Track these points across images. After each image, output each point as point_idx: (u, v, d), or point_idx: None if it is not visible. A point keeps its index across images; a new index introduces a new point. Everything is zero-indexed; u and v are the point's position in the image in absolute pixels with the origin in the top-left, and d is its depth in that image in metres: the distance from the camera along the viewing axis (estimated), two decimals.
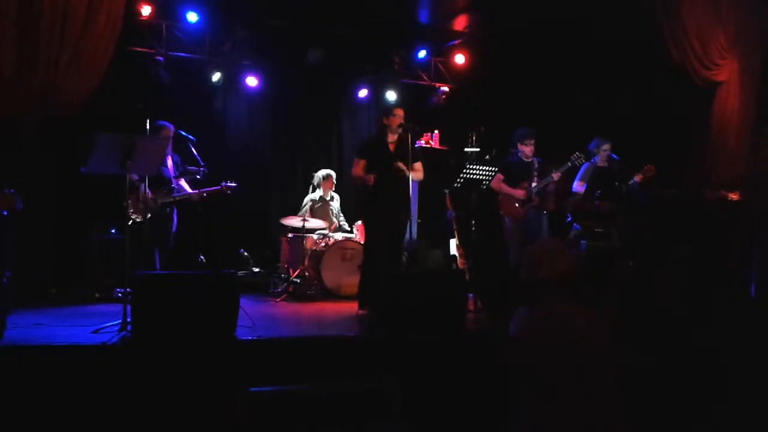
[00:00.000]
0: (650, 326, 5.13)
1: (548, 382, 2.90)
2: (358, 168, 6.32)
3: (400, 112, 6.29)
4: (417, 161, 6.36)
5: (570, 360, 2.87)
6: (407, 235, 6.43)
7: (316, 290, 7.64)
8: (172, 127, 6.80)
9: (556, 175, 6.96)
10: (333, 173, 8.50)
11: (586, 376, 2.86)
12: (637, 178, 7.09)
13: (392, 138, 6.30)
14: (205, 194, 6.88)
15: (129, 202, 6.25)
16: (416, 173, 6.32)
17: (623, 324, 4.77)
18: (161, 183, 6.70)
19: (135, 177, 5.32)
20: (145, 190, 6.08)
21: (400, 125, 6.21)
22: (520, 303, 3.14)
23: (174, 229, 6.96)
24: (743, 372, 4.65)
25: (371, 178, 6.17)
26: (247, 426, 4.05)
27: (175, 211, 6.97)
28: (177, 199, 6.85)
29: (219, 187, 6.92)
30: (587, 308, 3.02)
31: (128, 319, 4.70)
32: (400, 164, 6.11)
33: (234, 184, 6.99)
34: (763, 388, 4.44)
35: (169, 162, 6.87)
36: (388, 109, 6.53)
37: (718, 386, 4.58)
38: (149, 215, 6.42)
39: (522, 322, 3.08)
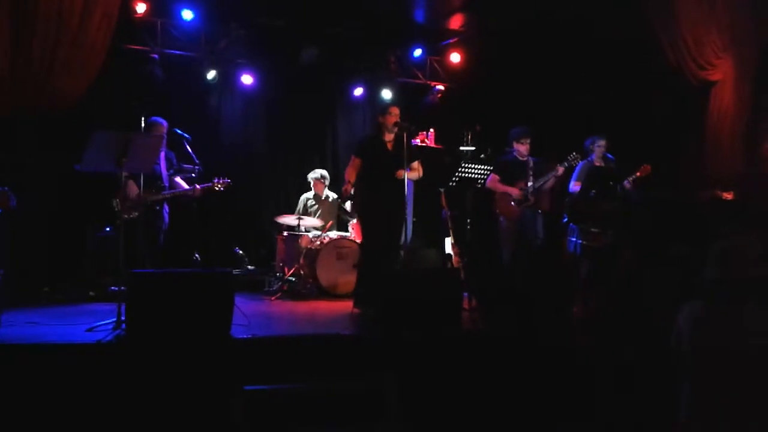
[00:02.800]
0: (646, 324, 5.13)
1: (722, 382, 2.88)
2: (352, 167, 6.33)
3: (395, 111, 6.30)
4: (415, 160, 6.36)
5: (746, 363, 2.85)
6: (403, 234, 6.44)
7: (311, 289, 7.63)
8: (165, 124, 6.77)
9: (560, 170, 6.95)
10: (326, 175, 8.46)
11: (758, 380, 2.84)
12: (633, 177, 7.11)
13: (389, 137, 6.30)
14: (198, 189, 6.83)
15: (117, 200, 6.24)
16: (414, 172, 6.33)
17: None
18: (152, 180, 6.67)
19: (125, 174, 5.29)
20: (139, 187, 6.06)
21: (396, 124, 6.22)
22: (704, 301, 3.08)
23: (165, 226, 6.93)
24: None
25: (348, 188, 6.28)
26: (241, 424, 4.05)
27: (166, 208, 6.94)
28: (171, 195, 6.82)
29: (210, 184, 6.89)
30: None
31: (122, 318, 4.68)
32: (400, 173, 6.11)
33: (227, 181, 6.96)
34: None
35: (162, 159, 6.84)
36: (383, 108, 6.53)
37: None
38: (140, 212, 6.40)
39: (697, 320, 3.04)
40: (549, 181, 7.04)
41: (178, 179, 7.02)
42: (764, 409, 2.85)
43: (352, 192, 6.42)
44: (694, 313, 3.07)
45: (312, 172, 8.52)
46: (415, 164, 6.35)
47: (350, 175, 6.36)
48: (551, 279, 6.69)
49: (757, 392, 2.86)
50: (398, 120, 6.22)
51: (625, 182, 7.13)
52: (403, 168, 6.09)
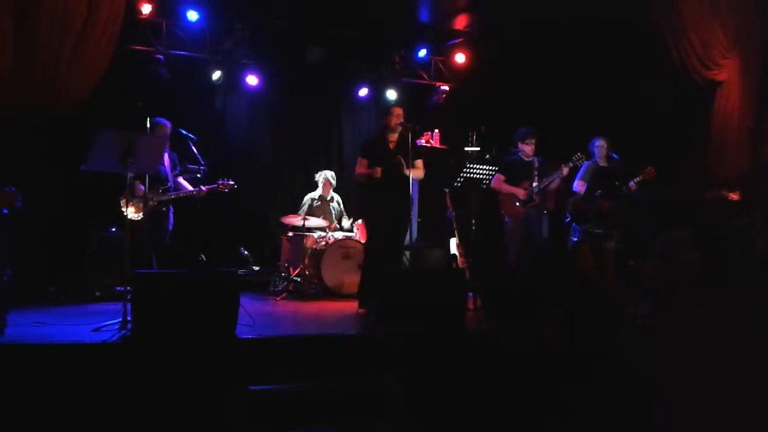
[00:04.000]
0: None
1: (686, 381, 2.85)
2: (361, 168, 6.32)
3: (398, 111, 6.30)
4: (418, 159, 6.36)
5: (710, 360, 2.83)
6: (408, 235, 6.43)
7: (316, 289, 7.63)
8: (169, 124, 6.78)
9: (565, 170, 6.95)
10: (332, 176, 8.46)
11: (725, 377, 2.82)
12: (638, 180, 7.09)
13: (393, 137, 6.31)
14: (203, 191, 6.84)
15: (123, 200, 6.26)
16: (417, 171, 6.32)
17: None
18: (157, 181, 6.68)
19: (131, 175, 5.31)
20: (145, 188, 6.07)
21: (400, 124, 6.22)
22: (651, 297, 3.07)
23: (170, 227, 6.95)
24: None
25: (378, 170, 6.17)
26: (247, 424, 4.05)
27: (172, 209, 6.96)
28: (176, 197, 6.83)
29: (215, 185, 6.90)
30: (736, 309, 2.95)
31: (128, 318, 4.69)
32: (399, 158, 6.10)
33: (231, 182, 6.97)
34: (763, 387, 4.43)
35: (166, 159, 6.86)
36: (387, 109, 6.53)
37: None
38: (145, 213, 6.41)
39: (658, 321, 3.01)
40: (554, 182, 7.04)
41: (181, 180, 7.03)
42: (719, 402, 2.83)
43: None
44: (645, 311, 3.06)
45: (321, 172, 8.51)
46: (418, 163, 6.35)
47: (362, 174, 6.33)
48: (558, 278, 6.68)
49: (711, 387, 2.84)
50: (402, 120, 6.22)
51: (630, 184, 7.11)
52: (402, 164, 6.10)
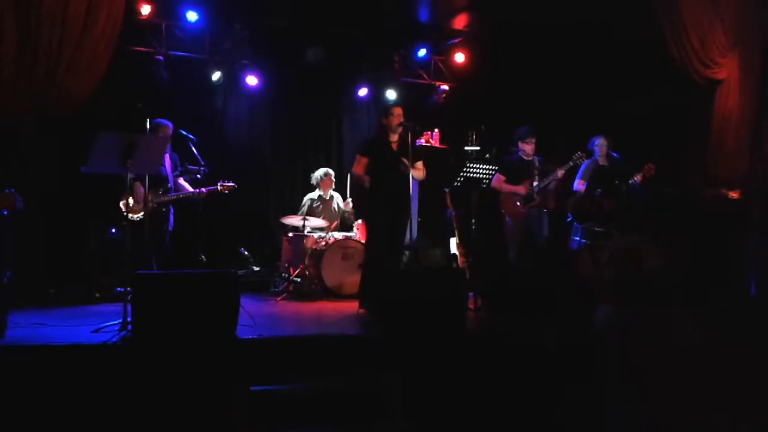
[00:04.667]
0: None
1: (643, 383, 2.85)
2: (360, 166, 6.32)
3: (398, 111, 6.29)
4: (419, 160, 6.36)
5: (664, 362, 2.83)
6: (408, 234, 6.43)
7: (316, 289, 7.63)
8: (171, 126, 6.79)
9: (560, 172, 6.97)
10: (331, 172, 8.50)
11: (680, 378, 2.82)
12: (638, 177, 7.10)
13: (394, 138, 6.30)
14: (203, 192, 6.85)
15: (124, 201, 6.26)
16: (418, 172, 6.32)
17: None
18: (158, 182, 6.69)
19: (131, 176, 5.31)
20: (145, 189, 6.08)
21: (400, 124, 6.22)
22: (603, 301, 3.07)
23: (170, 228, 6.95)
24: (743, 371, 4.64)
25: (367, 179, 6.20)
26: (248, 425, 4.05)
27: (172, 210, 6.96)
28: (176, 198, 6.84)
29: (215, 187, 6.91)
30: (683, 310, 2.96)
31: (128, 319, 4.69)
32: (404, 160, 6.11)
33: (231, 184, 6.97)
34: (764, 387, 4.43)
35: (167, 161, 6.86)
36: (386, 109, 6.52)
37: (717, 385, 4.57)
38: (146, 214, 6.42)
39: (613, 324, 3.01)
40: (552, 183, 7.04)
41: (181, 181, 7.04)
42: (678, 406, 2.84)
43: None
44: (604, 316, 3.05)
45: (317, 172, 8.52)
46: (419, 164, 6.35)
47: (360, 173, 6.34)
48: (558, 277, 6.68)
49: (669, 390, 2.84)
50: (402, 120, 6.22)
51: (633, 180, 7.11)
52: (407, 167, 6.10)
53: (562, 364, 4.68)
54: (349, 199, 8.29)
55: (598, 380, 3.05)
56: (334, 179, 8.47)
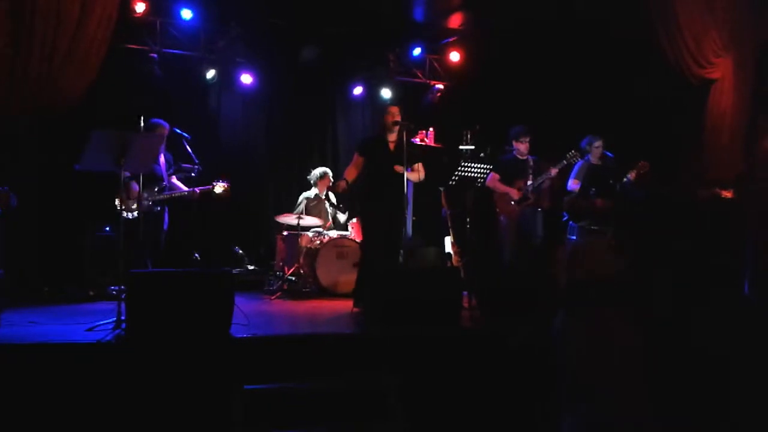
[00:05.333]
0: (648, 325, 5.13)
1: (589, 384, 2.85)
2: (354, 166, 6.33)
3: (394, 110, 6.30)
4: (418, 161, 6.37)
5: (608, 363, 2.83)
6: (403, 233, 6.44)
7: (311, 288, 7.63)
8: (167, 126, 6.79)
9: (554, 171, 6.98)
10: (329, 172, 8.49)
11: (623, 378, 2.81)
12: (631, 175, 7.12)
13: (392, 138, 6.30)
14: (196, 192, 6.84)
15: (119, 200, 6.25)
16: (415, 173, 6.33)
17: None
18: (153, 181, 6.69)
19: (126, 174, 5.29)
20: (139, 188, 6.07)
21: (395, 123, 6.21)
22: (560, 303, 3.07)
23: (165, 227, 6.94)
24: (739, 370, 4.66)
25: (341, 185, 6.25)
26: (242, 424, 4.05)
27: (167, 209, 6.95)
28: (168, 197, 6.83)
29: (209, 186, 6.90)
30: (624, 311, 2.95)
31: (123, 317, 4.68)
32: (398, 168, 6.10)
33: (225, 183, 6.96)
34: (760, 386, 4.45)
35: (162, 160, 6.85)
36: (384, 108, 6.53)
37: (715, 385, 4.59)
38: (141, 213, 6.41)
39: (564, 326, 3.00)
40: (546, 182, 7.05)
41: (175, 180, 7.03)
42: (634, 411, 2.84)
43: (345, 189, 6.39)
44: (561, 320, 3.04)
45: (316, 170, 8.50)
46: (417, 165, 6.35)
47: (350, 173, 6.35)
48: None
49: (624, 395, 2.84)
50: (398, 119, 6.22)
51: (627, 177, 7.13)
52: (403, 167, 6.10)
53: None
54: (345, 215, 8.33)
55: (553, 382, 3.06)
56: (332, 179, 8.46)
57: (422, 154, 6.65)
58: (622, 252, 3.08)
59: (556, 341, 3.03)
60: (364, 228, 6.54)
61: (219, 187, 6.86)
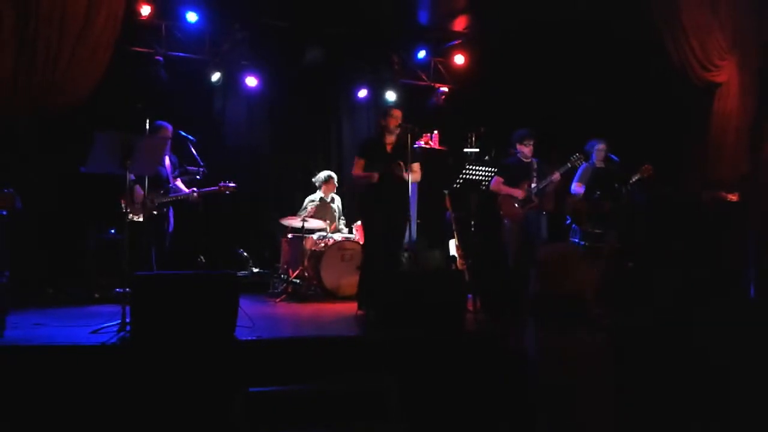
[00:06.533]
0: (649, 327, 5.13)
1: (561, 401, 2.84)
2: (358, 168, 6.32)
3: (397, 113, 6.29)
4: (415, 162, 6.35)
5: (574, 375, 2.81)
6: (407, 236, 6.43)
7: (315, 291, 7.64)
8: (171, 128, 6.80)
9: (556, 176, 6.97)
10: (334, 175, 8.49)
11: (588, 395, 2.80)
12: (635, 178, 7.11)
13: (390, 139, 6.30)
14: (200, 194, 6.85)
15: (125, 202, 6.26)
16: (414, 174, 6.31)
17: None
18: (158, 183, 6.69)
19: (132, 177, 5.30)
20: (144, 190, 6.08)
21: (399, 126, 6.21)
22: (529, 315, 3.05)
23: (170, 229, 6.95)
24: (743, 372, 4.66)
25: (375, 175, 6.16)
26: (246, 426, 4.05)
27: (172, 211, 6.96)
28: (173, 199, 6.84)
29: (216, 188, 6.91)
30: (589, 328, 2.94)
31: (127, 320, 4.69)
32: (400, 163, 6.10)
33: (232, 185, 6.98)
34: (763, 388, 4.45)
35: (167, 162, 6.87)
36: (385, 110, 6.52)
37: (717, 386, 4.58)
38: (146, 215, 6.42)
39: (532, 342, 2.99)
40: (550, 185, 7.04)
41: (178, 182, 7.04)
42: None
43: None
44: (534, 331, 3.01)
45: (321, 173, 8.51)
46: (415, 166, 6.32)
47: (359, 174, 6.33)
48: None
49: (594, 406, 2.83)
50: (400, 122, 6.21)
51: (631, 180, 7.13)
52: (401, 168, 6.10)
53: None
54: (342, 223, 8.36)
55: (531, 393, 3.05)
56: (337, 183, 8.47)
57: (420, 154, 6.64)
58: (603, 259, 3.08)
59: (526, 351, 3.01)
60: (366, 230, 6.54)
61: (225, 189, 6.90)
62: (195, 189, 6.85)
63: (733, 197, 7.30)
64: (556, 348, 2.87)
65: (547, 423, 2.91)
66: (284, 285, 7.72)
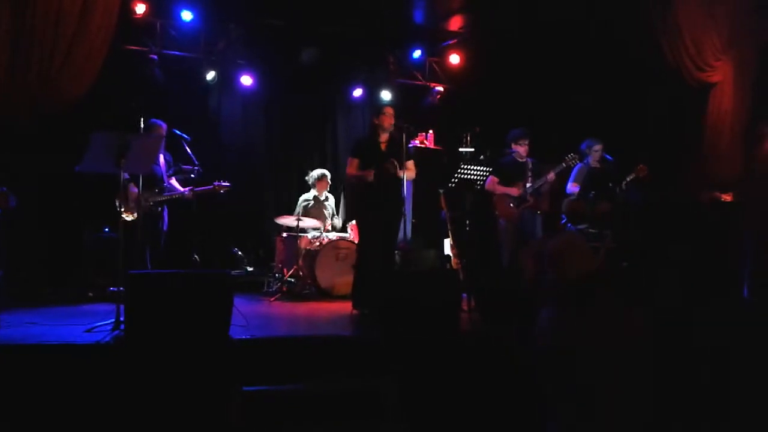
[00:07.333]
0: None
1: (583, 388, 2.82)
2: (352, 167, 6.32)
3: (389, 111, 6.27)
4: (410, 159, 6.35)
5: (604, 364, 2.80)
6: (401, 235, 6.43)
7: (309, 290, 7.63)
8: (164, 126, 6.79)
9: (550, 176, 6.98)
10: (328, 173, 8.50)
11: (620, 380, 2.79)
12: (630, 177, 7.12)
13: (384, 138, 6.29)
14: (188, 193, 6.84)
15: (119, 201, 6.25)
16: (408, 172, 6.31)
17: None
18: (153, 182, 6.69)
19: (126, 176, 5.29)
20: (138, 189, 6.07)
21: (393, 125, 6.21)
22: (541, 303, 3.04)
23: (165, 228, 6.95)
24: (739, 372, 4.67)
25: (371, 173, 6.15)
26: (240, 425, 4.04)
27: (166, 210, 6.95)
28: (168, 198, 6.83)
29: (211, 187, 6.91)
30: (620, 309, 2.93)
31: (121, 318, 4.68)
32: (393, 161, 6.09)
33: (227, 184, 6.97)
34: (759, 387, 4.46)
35: (161, 161, 6.86)
36: (377, 109, 6.50)
37: (715, 386, 4.59)
38: (140, 214, 6.41)
39: (552, 325, 2.97)
40: (545, 184, 7.05)
41: (173, 181, 7.03)
42: (619, 411, 2.82)
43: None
44: (548, 317, 3.00)
45: (314, 171, 8.51)
46: (409, 164, 6.32)
47: (354, 173, 6.33)
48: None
49: (611, 396, 2.82)
50: (393, 121, 6.20)
51: (626, 181, 7.14)
52: (395, 167, 6.10)
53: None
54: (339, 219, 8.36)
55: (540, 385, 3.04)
56: (330, 181, 8.47)
57: (414, 152, 6.64)
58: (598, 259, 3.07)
59: (540, 341, 2.99)
60: (361, 229, 6.53)
61: (219, 188, 6.89)
62: (191, 187, 6.84)
63: (728, 197, 7.32)
64: (587, 335, 2.86)
65: (562, 416, 2.90)
66: (279, 284, 7.71)
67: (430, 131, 9.26)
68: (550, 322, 2.96)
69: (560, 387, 2.89)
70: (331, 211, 8.46)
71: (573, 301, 2.93)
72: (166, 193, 6.81)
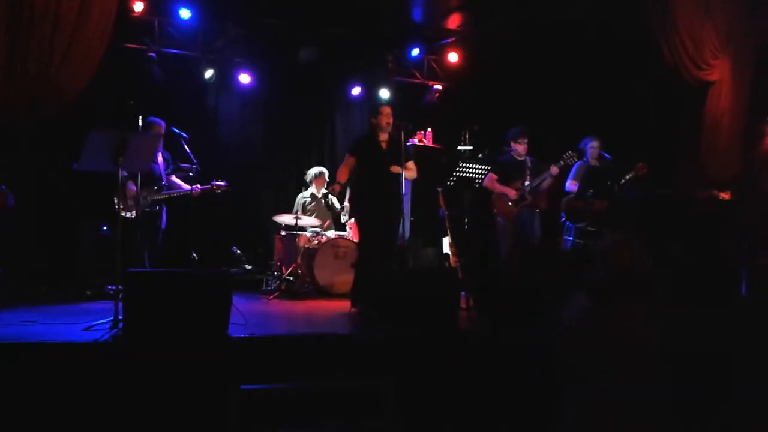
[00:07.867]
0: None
1: (600, 379, 2.85)
2: (346, 166, 6.32)
3: (387, 110, 6.25)
4: (410, 160, 6.35)
5: (624, 360, 2.83)
6: (401, 234, 6.43)
7: (308, 288, 7.63)
8: (163, 124, 6.79)
9: (554, 170, 6.97)
10: (325, 171, 8.49)
11: (639, 376, 2.82)
12: (629, 176, 7.12)
13: (383, 137, 6.28)
14: (197, 190, 6.85)
15: (117, 199, 6.25)
16: (409, 172, 6.31)
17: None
18: (151, 180, 6.69)
19: (124, 174, 5.28)
20: (137, 187, 6.07)
21: (393, 123, 6.20)
22: (592, 293, 3.08)
23: (163, 226, 6.95)
24: (736, 370, 4.67)
25: (336, 188, 6.34)
26: (239, 424, 4.04)
27: (165, 208, 6.95)
28: (167, 196, 6.83)
29: (208, 186, 6.91)
30: (642, 309, 2.97)
31: (120, 317, 4.68)
32: (395, 168, 6.08)
33: (224, 184, 6.97)
34: (757, 385, 4.46)
35: (160, 159, 6.85)
36: (375, 109, 6.48)
37: (712, 384, 4.60)
38: (138, 212, 6.40)
39: (582, 316, 3.01)
40: (545, 181, 7.05)
41: (175, 179, 7.03)
42: (646, 406, 2.85)
43: (339, 191, 6.52)
44: (581, 309, 3.06)
45: (311, 169, 8.51)
46: (410, 164, 6.32)
47: (342, 175, 6.33)
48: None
49: (640, 391, 2.85)
50: (390, 119, 6.19)
51: (625, 179, 7.14)
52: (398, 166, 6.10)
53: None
54: (346, 205, 8.31)
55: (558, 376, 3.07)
56: (328, 178, 8.47)
57: (414, 151, 6.63)
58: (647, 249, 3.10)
59: (563, 332, 3.02)
60: (361, 228, 6.53)
61: (216, 188, 6.89)
62: (197, 186, 6.84)
63: (726, 196, 7.33)
64: (615, 329, 2.90)
65: (569, 411, 2.92)
66: (277, 282, 7.70)
67: (429, 129, 9.26)
68: (583, 312, 3.01)
69: (576, 371, 2.93)
70: (332, 208, 8.40)
71: (616, 296, 2.98)
72: (166, 192, 6.80)
